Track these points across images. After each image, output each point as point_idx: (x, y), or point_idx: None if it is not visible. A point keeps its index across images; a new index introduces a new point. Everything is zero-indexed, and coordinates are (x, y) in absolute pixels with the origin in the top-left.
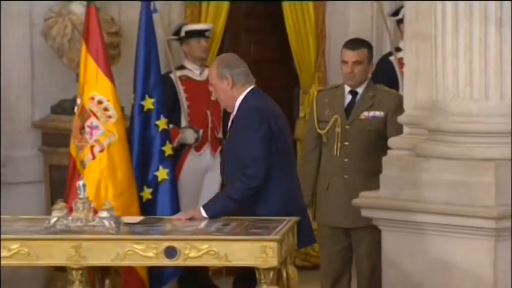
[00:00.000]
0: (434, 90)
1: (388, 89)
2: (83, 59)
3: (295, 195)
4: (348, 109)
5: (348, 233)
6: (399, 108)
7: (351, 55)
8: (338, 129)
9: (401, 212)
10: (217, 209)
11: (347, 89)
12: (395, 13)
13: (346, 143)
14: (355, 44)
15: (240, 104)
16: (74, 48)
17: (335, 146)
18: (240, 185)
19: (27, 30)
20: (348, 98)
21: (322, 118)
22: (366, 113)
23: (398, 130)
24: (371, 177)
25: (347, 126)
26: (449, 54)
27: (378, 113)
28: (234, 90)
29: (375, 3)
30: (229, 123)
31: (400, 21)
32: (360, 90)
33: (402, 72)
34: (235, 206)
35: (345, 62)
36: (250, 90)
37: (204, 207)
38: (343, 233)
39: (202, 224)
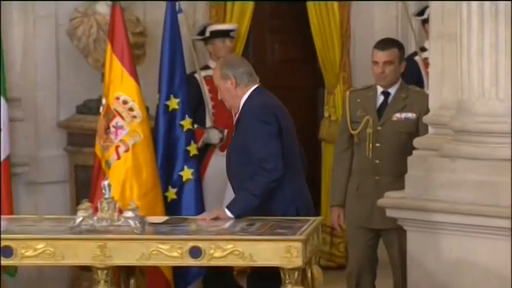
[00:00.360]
0: (460, 91)
1: (420, 90)
2: (108, 59)
3: (303, 193)
4: (380, 110)
5: (377, 233)
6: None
7: (381, 55)
8: (370, 130)
9: (426, 212)
10: (241, 208)
11: (379, 89)
12: (420, 13)
13: (377, 144)
14: (385, 44)
15: (245, 103)
16: (99, 48)
17: (367, 147)
18: (261, 179)
19: (52, 31)
20: (380, 98)
21: (354, 119)
22: (398, 115)
23: None
24: (401, 178)
25: (379, 128)
26: (474, 54)
27: (410, 115)
28: (238, 90)
29: (399, 3)
30: (235, 122)
31: (425, 21)
32: (392, 91)
33: (427, 72)
34: (258, 202)
35: (375, 63)
36: (255, 89)
37: (228, 207)
38: (370, 232)
39: (227, 224)
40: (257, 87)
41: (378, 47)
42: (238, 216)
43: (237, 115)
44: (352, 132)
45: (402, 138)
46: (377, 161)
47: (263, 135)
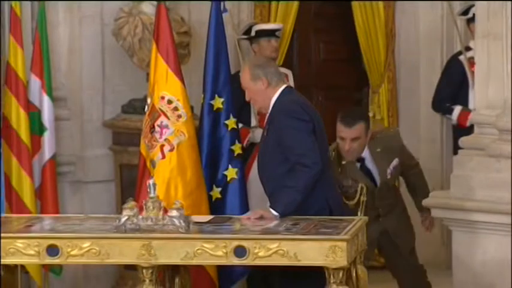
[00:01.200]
0: (506, 90)
1: (385, 130)
2: (153, 59)
3: (336, 192)
4: (367, 173)
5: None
6: (404, 147)
7: (347, 132)
8: (368, 196)
9: (471, 212)
10: (285, 204)
11: None
12: (465, 12)
13: (378, 201)
14: (351, 120)
15: (275, 102)
16: (144, 47)
17: (371, 206)
18: (302, 175)
19: (98, 30)
20: (358, 164)
21: (343, 189)
22: (388, 171)
23: (418, 174)
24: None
25: (376, 191)
26: None
27: (395, 163)
28: (269, 90)
29: (445, 2)
30: (266, 121)
31: (470, 20)
32: (365, 154)
33: (472, 72)
34: (301, 196)
35: (341, 138)
36: (284, 89)
37: (272, 205)
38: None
39: (272, 224)
40: (286, 87)
41: (343, 123)
42: (283, 214)
43: (267, 116)
44: (348, 202)
45: (394, 185)
46: (382, 217)
47: (298, 132)
